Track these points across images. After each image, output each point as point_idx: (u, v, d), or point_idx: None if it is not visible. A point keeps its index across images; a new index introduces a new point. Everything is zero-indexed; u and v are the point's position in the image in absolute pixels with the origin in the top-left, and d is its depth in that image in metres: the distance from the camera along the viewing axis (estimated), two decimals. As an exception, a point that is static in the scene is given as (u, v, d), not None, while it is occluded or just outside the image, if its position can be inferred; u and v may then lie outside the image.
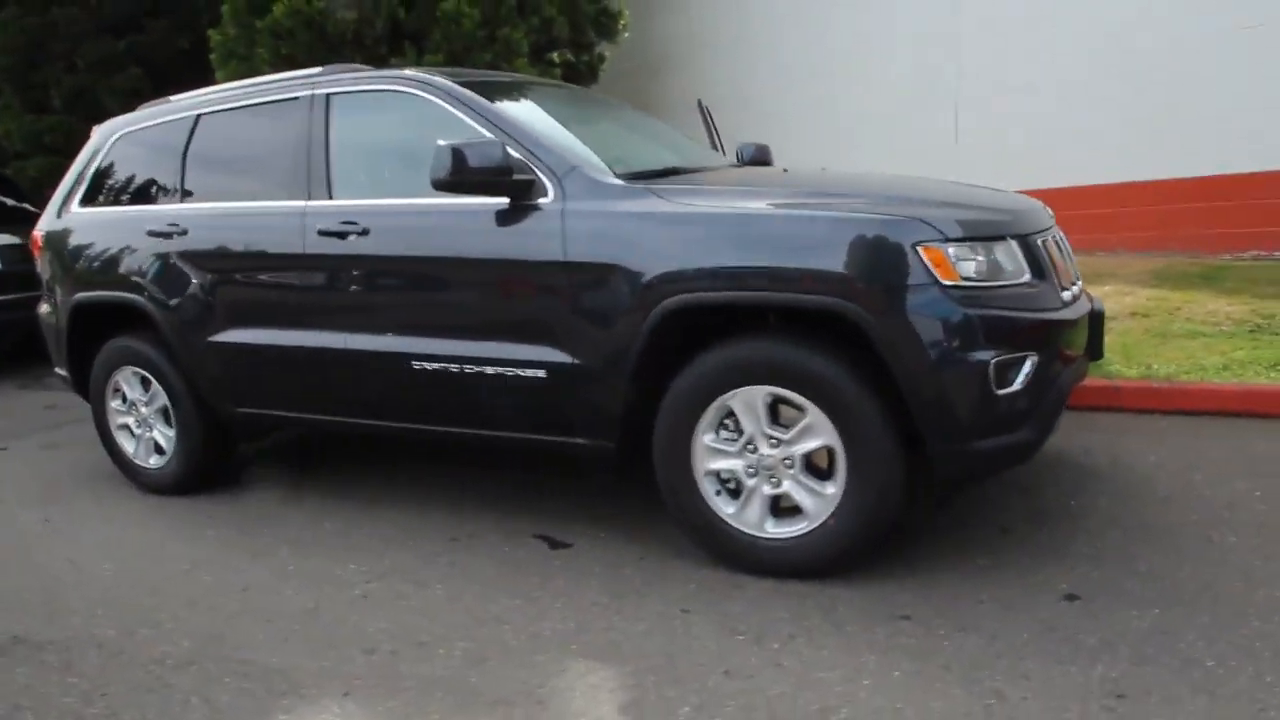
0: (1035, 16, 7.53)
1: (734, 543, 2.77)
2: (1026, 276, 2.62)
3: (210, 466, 3.96)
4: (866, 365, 2.55)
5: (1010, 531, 2.96)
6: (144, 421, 4.02)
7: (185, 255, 3.66)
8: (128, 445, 4.09)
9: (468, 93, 3.17)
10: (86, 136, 4.31)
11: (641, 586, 2.77)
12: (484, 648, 2.48)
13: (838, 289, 2.50)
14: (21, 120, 9.23)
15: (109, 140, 4.12)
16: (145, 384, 3.96)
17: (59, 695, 2.39)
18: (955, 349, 2.44)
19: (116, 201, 4.05)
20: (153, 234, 3.74)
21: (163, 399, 3.90)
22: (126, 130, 4.09)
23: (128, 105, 9.47)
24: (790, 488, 2.68)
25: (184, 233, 3.66)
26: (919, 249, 2.45)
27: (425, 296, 3.20)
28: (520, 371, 2.97)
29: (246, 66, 7.21)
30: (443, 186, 2.87)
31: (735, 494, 2.78)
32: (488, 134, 3.02)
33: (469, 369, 3.06)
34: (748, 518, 2.74)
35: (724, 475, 2.78)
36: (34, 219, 4.51)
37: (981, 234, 2.56)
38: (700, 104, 4.92)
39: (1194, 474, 3.36)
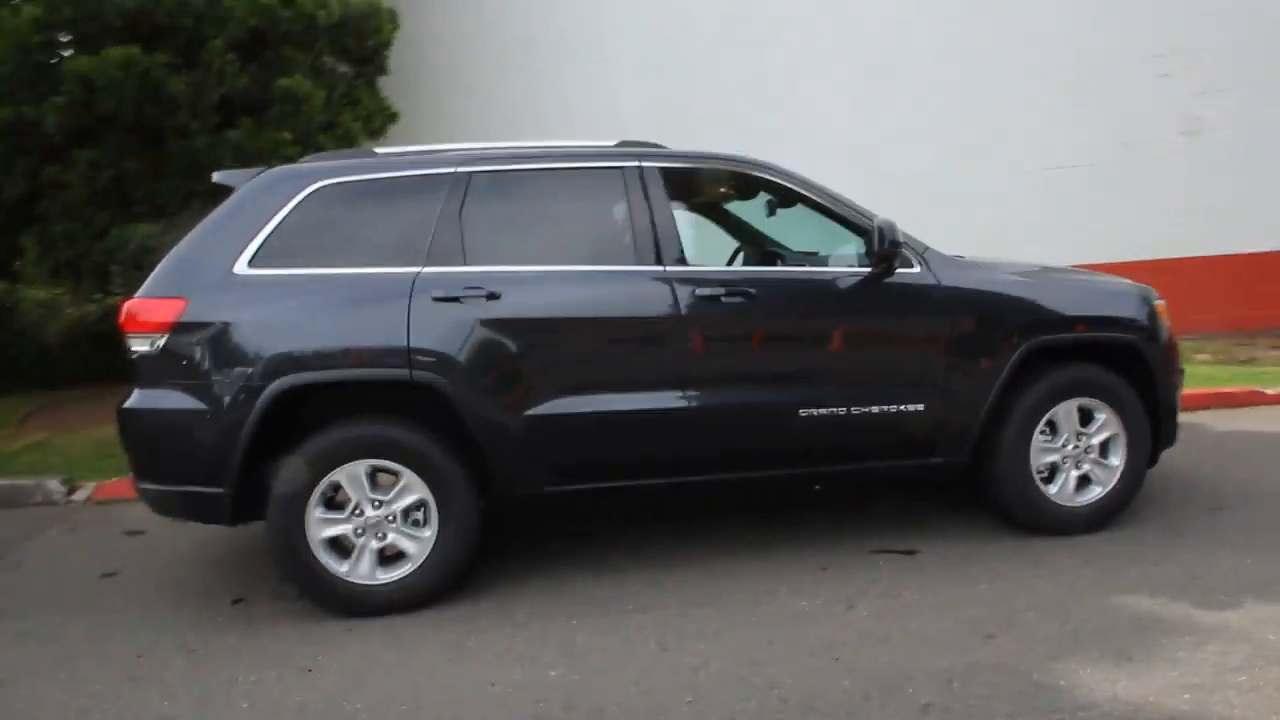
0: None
1: (1052, 514, 3.81)
2: (1161, 321, 4.29)
3: (469, 565, 3.44)
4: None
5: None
6: (369, 528, 3.29)
7: (498, 322, 3.27)
8: (335, 564, 3.27)
9: (811, 179, 3.74)
10: None
11: (1034, 561, 3.58)
12: (1065, 620, 3.05)
13: (1132, 330, 3.85)
14: None
15: (301, 193, 3.34)
16: (374, 477, 3.29)
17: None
18: (1175, 364, 3.99)
19: (327, 263, 3.29)
20: (441, 299, 3.27)
21: (418, 493, 3.29)
22: (328, 182, 3.35)
23: None
24: (1090, 468, 3.86)
25: (495, 297, 3.29)
26: (1154, 303, 3.96)
27: (815, 350, 3.58)
28: (903, 406, 3.61)
29: (33, 112, 5.61)
30: (877, 258, 3.49)
31: (1046, 480, 3.84)
32: (850, 216, 3.66)
33: (855, 410, 3.57)
34: (1064, 494, 3.83)
35: (1040, 468, 3.83)
36: None
37: (1157, 297, 4.17)
38: None
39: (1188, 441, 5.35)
